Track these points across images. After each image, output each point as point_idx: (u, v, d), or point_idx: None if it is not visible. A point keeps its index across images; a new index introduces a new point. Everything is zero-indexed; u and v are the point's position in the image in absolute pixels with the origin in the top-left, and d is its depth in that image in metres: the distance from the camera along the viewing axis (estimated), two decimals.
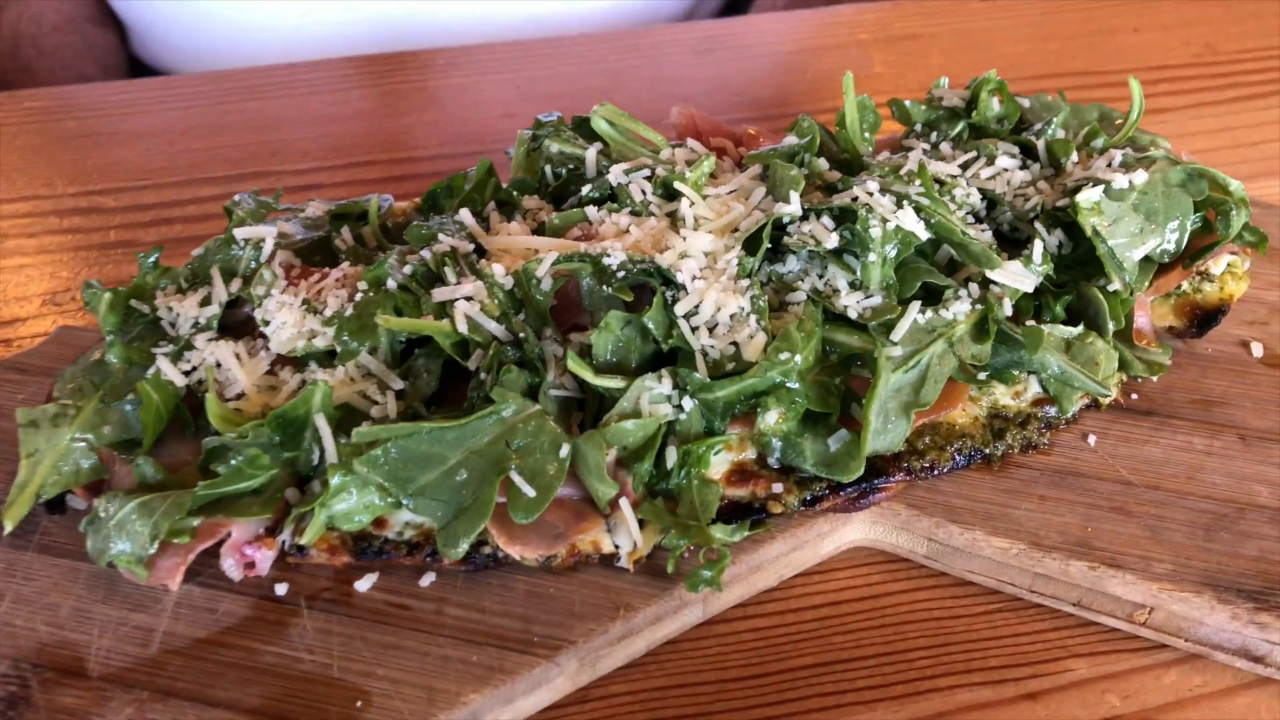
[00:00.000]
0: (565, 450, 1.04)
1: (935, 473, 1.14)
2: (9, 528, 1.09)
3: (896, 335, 1.12)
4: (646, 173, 1.25)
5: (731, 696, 1.06)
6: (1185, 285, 1.30)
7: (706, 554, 1.05)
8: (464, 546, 1.02)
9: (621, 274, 1.13)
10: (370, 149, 1.81)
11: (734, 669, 1.08)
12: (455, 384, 1.15)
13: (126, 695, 0.99)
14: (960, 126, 1.42)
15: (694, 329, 1.11)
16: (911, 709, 1.05)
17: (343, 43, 2.18)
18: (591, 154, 1.32)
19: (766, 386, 1.09)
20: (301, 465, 1.08)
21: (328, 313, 1.14)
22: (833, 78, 1.93)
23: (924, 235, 1.17)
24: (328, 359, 1.14)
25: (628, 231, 1.19)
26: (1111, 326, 1.20)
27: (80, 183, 1.72)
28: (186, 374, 1.14)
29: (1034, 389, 1.19)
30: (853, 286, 1.18)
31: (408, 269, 1.16)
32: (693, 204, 1.21)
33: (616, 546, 1.07)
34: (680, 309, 1.11)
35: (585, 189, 1.27)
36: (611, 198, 1.26)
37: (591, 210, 1.23)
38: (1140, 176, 1.23)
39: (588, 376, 1.07)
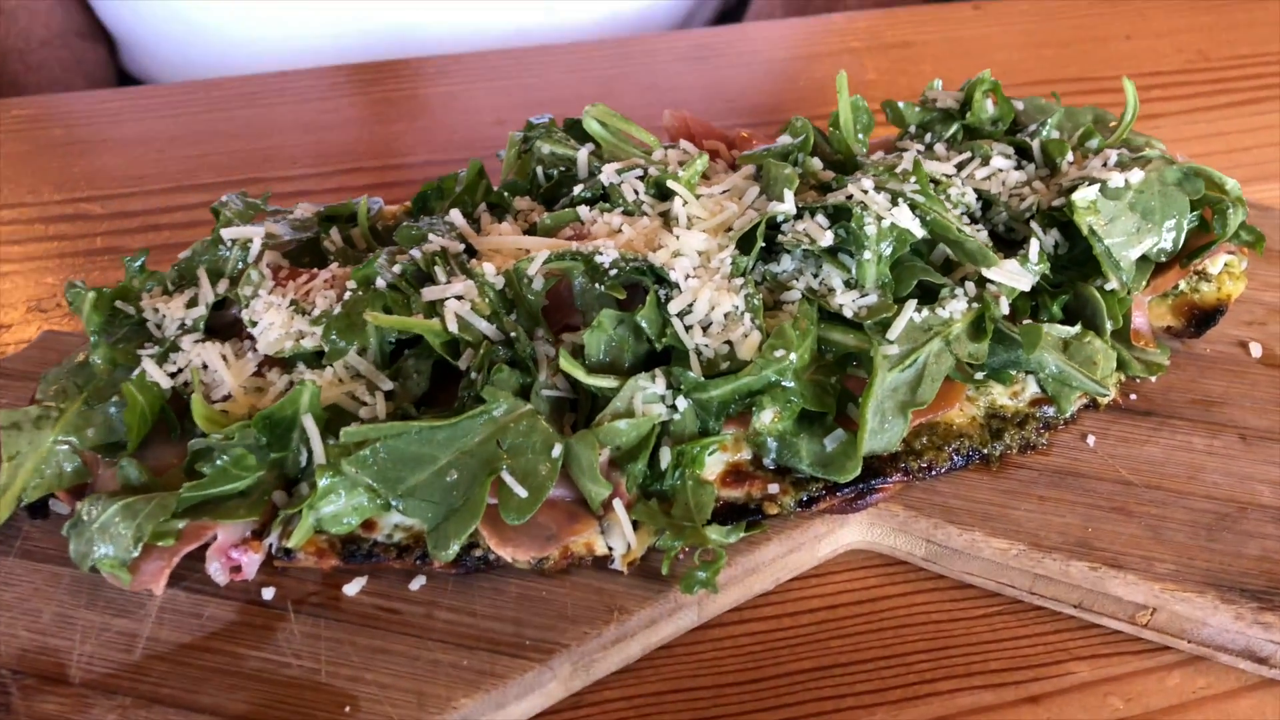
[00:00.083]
0: (558, 450, 1.02)
1: (933, 473, 1.12)
2: None
3: (893, 334, 1.10)
4: (639, 172, 1.24)
5: (728, 701, 1.04)
6: (1183, 285, 1.29)
7: (702, 555, 1.03)
8: (455, 549, 1.00)
9: (614, 272, 1.11)
10: (360, 156, 1.80)
11: (730, 674, 1.06)
12: (445, 385, 1.14)
13: (109, 702, 0.96)
14: (954, 128, 1.41)
15: (688, 328, 1.10)
16: (910, 713, 1.03)
17: (334, 56, 2.17)
18: (583, 155, 1.31)
19: (761, 385, 1.07)
20: (289, 467, 1.07)
21: (316, 313, 1.12)
22: (826, 85, 1.93)
23: (919, 233, 1.16)
24: (316, 360, 1.12)
25: (620, 231, 1.18)
26: (1109, 326, 1.19)
27: (67, 190, 1.71)
28: (172, 376, 1.12)
29: (1032, 389, 1.18)
30: (848, 285, 1.16)
31: (397, 268, 1.15)
32: (686, 203, 1.19)
33: (610, 548, 1.05)
34: (674, 307, 1.10)
35: (577, 189, 1.26)
36: (604, 198, 1.25)
37: (583, 210, 1.21)
38: (1136, 175, 1.22)
39: (580, 376, 1.06)
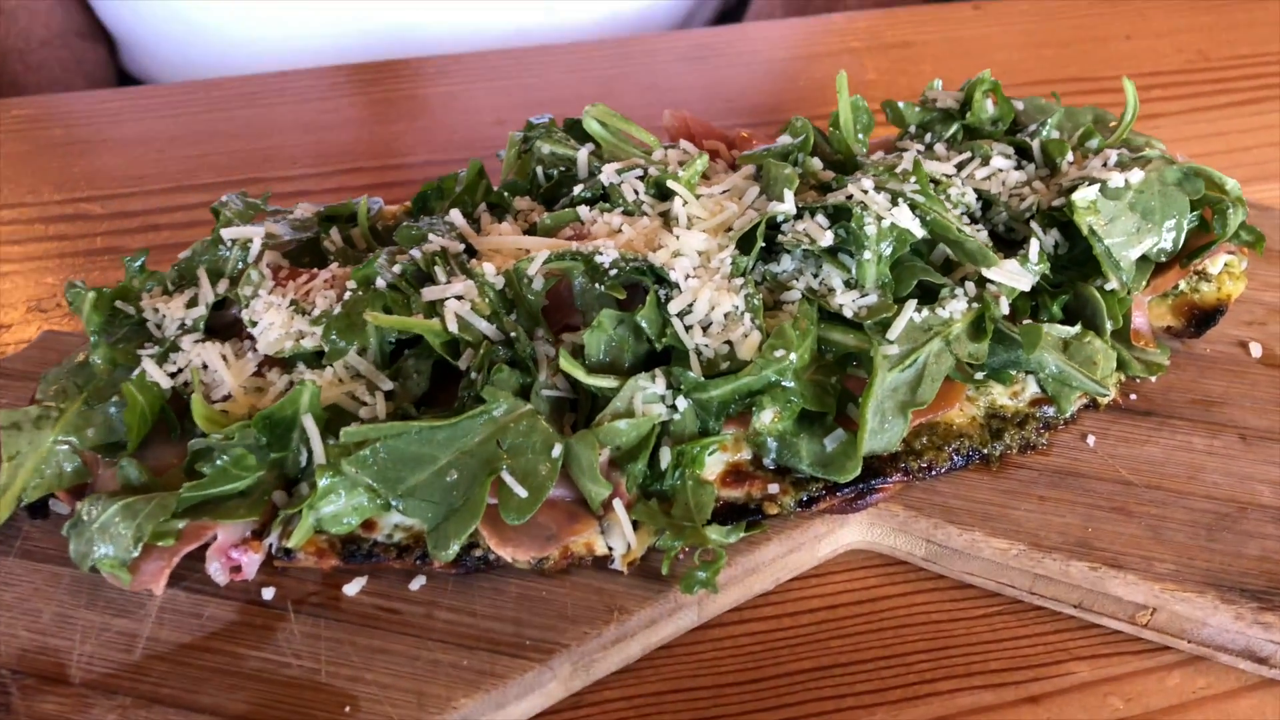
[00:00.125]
0: (557, 450, 1.02)
1: (933, 473, 1.12)
2: None
3: (893, 334, 1.10)
4: (639, 172, 1.24)
5: (728, 701, 1.04)
6: (1183, 285, 1.29)
7: (702, 555, 1.03)
8: (455, 549, 1.00)
9: (614, 272, 1.11)
10: (360, 156, 1.80)
11: (730, 674, 1.06)
12: (446, 386, 1.13)
13: (109, 702, 0.96)
14: (954, 128, 1.41)
15: (688, 328, 1.10)
16: (910, 713, 1.03)
17: (334, 56, 2.17)
18: (583, 155, 1.31)
19: (761, 385, 1.07)
20: (289, 467, 1.06)
21: (316, 313, 1.12)
22: (825, 85, 1.93)
23: (919, 232, 1.16)
24: (316, 360, 1.12)
25: (620, 231, 1.18)
26: (1109, 326, 1.19)
27: (67, 190, 1.70)
28: (172, 376, 1.12)
29: (1032, 389, 1.18)
30: (848, 285, 1.16)
31: (397, 268, 1.14)
32: (686, 203, 1.19)
33: (610, 548, 1.05)
34: (674, 307, 1.10)
35: (577, 189, 1.26)
36: (604, 198, 1.25)
37: (583, 210, 1.21)
38: (1136, 175, 1.22)
39: (580, 376, 1.06)
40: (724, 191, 1.25)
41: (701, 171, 1.25)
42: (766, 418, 1.08)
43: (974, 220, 1.29)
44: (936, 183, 1.26)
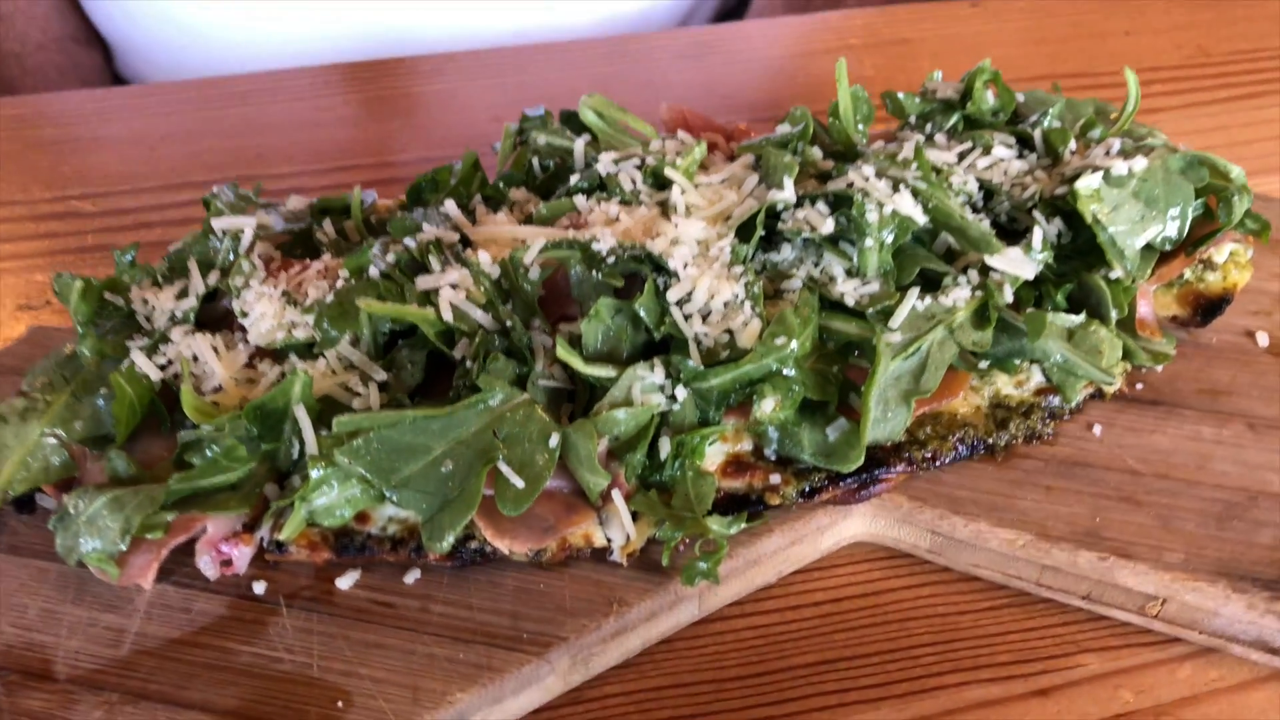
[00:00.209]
0: (555, 440, 1.00)
1: (937, 463, 1.10)
2: None
3: (895, 321, 1.08)
4: (636, 162, 1.22)
5: (730, 696, 1.02)
6: (1188, 274, 1.27)
7: (703, 546, 1.01)
8: (450, 540, 0.97)
9: (611, 260, 1.09)
10: (354, 154, 1.78)
11: (732, 668, 1.04)
12: (440, 378, 1.11)
13: (95, 698, 0.94)
14: (955, 118, 1.39)
15: (686, 316, 1.08)
16: (917, 707, 1.01)
17: (331, 61, 2.16)
18: (580, 145, 1.30)
19: (762, 374, 1.05)
20: (281, 460, 1.04)
21: (308, 302, 1.10)
22: (823, 82, 1.91)
23: (922, 219, 1.14)
24: (308, 351, 1.10)
25: (617, 220, 1.16)
26: (1114, 315, 1.17)
27: (57, 188, 1.69)
28: (162, 368, 1.10)
29: (1036, 378, 1.16)
30: (849, 274, 1.14)
31: (391, 257, 1.13)
32: (684, 191, 1.18)
33: (609, 540, 1.03)
34: (672, 296, 1.08)
35: (574, 179, 1.24)
36: (601, 188, 1.23)
37: (580, 200, 1.20)
38: (1140, 163, 1.21)
39: (577, 365, 1.04)
40: (722, 180, 1.23)
41: (700, 160, 1.23)
42: (768, 407, 1.06)
43: (976, 210, 1.27)
44: (938, 171, 1.24)
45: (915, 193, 1.15)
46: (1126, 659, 1.04)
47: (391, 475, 0.98)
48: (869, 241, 1.12)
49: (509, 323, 1.08)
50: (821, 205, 1.16)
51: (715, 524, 1.02)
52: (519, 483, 0.98)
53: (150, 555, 0.99)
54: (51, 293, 1.43)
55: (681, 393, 1.05)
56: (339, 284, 1.11)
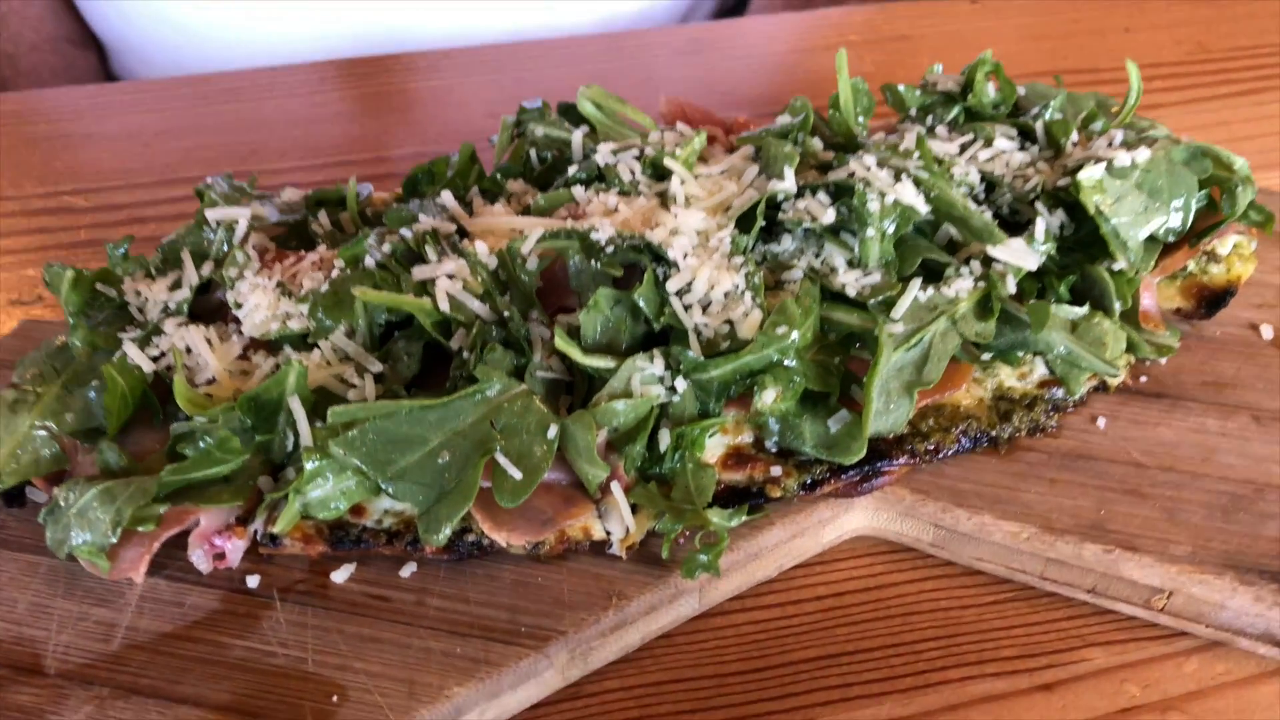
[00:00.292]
0: (553, 431, 0.99)
1: (940, 455, 1.09)
2: None
3: (897, 312, 1.07)
4: (635, 153, 1.21)
5: (731, 691, 1.00)
6: (1192, 266, 1.26)
7: (703, 539, 1.00)
8: (446, 532, 0.96)
9: (610, 250, 1.08)
10: (349, 150, 1.77)
11: (733, 663, 1.03)
12: (436, 370, 1.10)
13: (85, 693, 0.92)
14: (956, 111, 1.38)
15: (686, 307, 1.06)
16: (920, 702, 1.00)
17: (326, 59, 2.14)
18: (578, 136, 1.28)
19: (763, 365, 1.04)
20: (275, 452, 1.03)
21: (303, 293, 1.09)
22: (822, 78, 1.90)
23: (923, 209, 1.13)
24: (303, 343, 1.09)
25: (616, 210, 1.14)
26: (1118, 307, 1.16)
27: (50, 183, 1.67)
28: (155, 360, 1.08)
29: (1040, 370, 1.15)
30: (850, 265, 1.13)
31: (387, 247, 1.11)
32: (684, 181, 1.16)
33: (608, 533, 1.02)
34: (672, 286, 1.06)
35: (572, 170, 1.23)
36: (599, 179, 1.22)
37: (579, 190, 1.18)
38: (1143, 154, 1.20)
39: (576, 355, 1.02)
40: (722, 171, 1.22)
41: (699, 150, 1.22)
42: (768, 398, 1.05)
43: (978, 202, 1.26)
44: (940, 162, 1.23)
45: (917, 182, 1.13)
46: (1132, 653, 1.03)
47: (387, 467, 0.97)
48: (870, 231, 1.11)
49: (506, 313, 1.06)
50: (822, 195, 1.14)
51: (716, 516, 1.00)
52: (517, 474, 0.97)
53: (142, 548, 0.97)
54: (44, 287, 1.42)
55: (681, 384, 1.03)
56: (334, 274, 1.09)
